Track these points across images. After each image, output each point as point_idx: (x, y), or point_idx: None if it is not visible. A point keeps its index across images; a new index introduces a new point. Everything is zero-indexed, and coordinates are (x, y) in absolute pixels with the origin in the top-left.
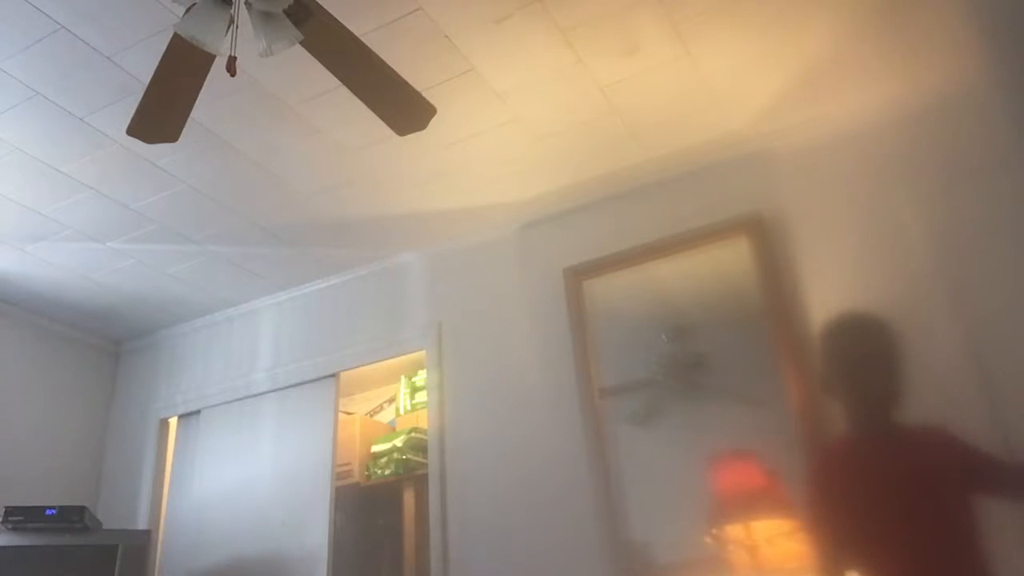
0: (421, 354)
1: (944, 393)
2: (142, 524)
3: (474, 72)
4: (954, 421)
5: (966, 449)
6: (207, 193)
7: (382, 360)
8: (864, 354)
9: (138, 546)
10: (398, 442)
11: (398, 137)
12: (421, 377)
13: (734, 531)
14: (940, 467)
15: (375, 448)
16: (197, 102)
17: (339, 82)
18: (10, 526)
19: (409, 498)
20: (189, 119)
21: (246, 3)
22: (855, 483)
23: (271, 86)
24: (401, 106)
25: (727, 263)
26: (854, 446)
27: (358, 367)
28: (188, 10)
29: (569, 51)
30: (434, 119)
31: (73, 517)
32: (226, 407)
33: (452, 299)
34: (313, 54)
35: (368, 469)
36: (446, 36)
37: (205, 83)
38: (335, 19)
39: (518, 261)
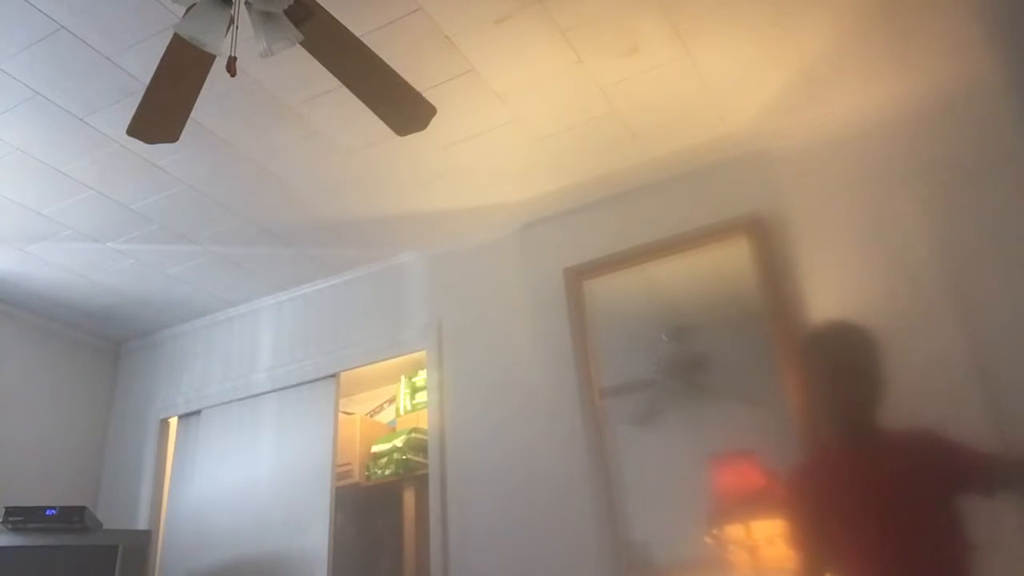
0: (421, 354)
1: (944, 394)
2: (142, 524)
3: (474, 72)
4: (954, 422)
5: (955, 450)
6: (207, 193)
7: (382, 360)
8: (841, 362)
9: (138, 546)
10: (398, 442)
11: (398, 137)
12: (421, 377)
13: (734, 531)
14: (925, 471)
15: (375, 448)
16: (197, 102)
17: (339, 82)
18: (10, 526)
19: (409, 498)
20: (189, 119)
21: (246, 3)
22: (836, 492)
23: (271, 86)
24: (401, 106)
25: (727, 263)
26: (836, 454)
27: (358, 367)
28: (188, 10)
29: (569, 51)
30: (434, 119)
31: (73, 517)
32: (226, 407)
33: (452, 299)
34: (313, 54)
35: (368, 469)
36: (446, 36)
37: (205, 83)
38: (335, 19)
39: (518, 261)
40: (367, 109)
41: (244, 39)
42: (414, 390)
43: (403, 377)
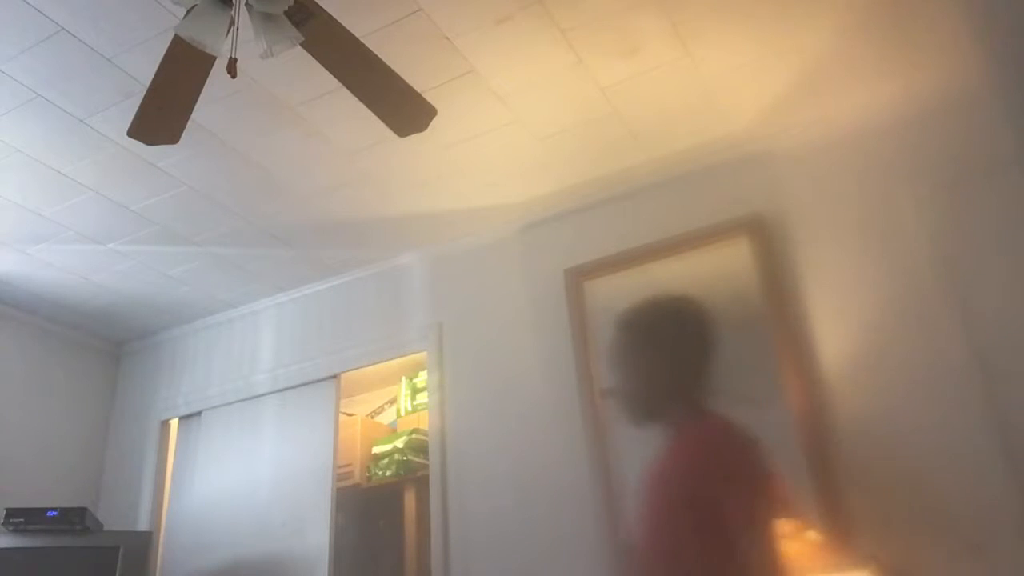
0: (422, 355)
1: (944, 395)
2: (143, 526)
3: (474, 73)
4: (953, 422)
5: (728, 459)
6: (208, 195)
7: (383, 361)
8: (651, 341)
9: (139, 547)
10: (399, 443)
11: (398, 138)
12: (422, 378)
13: None
14: (700, 467)
15: (376, 449)
16: (198, 104)
17: (339, 83)
18: (11, 528)
19: (410, 499)
20: (190, 121)
21: (247, 4)
22: (653, 488)
23: (272, 87)
24: (401, 107)
25: (728, 264)
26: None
27: (359, 368)
28: (188, 12)
29: (570, 52)
30: (435, 120)
31: (74, 519)
32: (227, 408)
33: (453, 300)
34: (313, 55)
35: (369, 470)
36: (446, 37)
37: (206, 85)
38: (335, 20)
39: (519, 262)
40: (367, 110)
41: (244, 40)
42: (415, 391)
43: (404, 378)
